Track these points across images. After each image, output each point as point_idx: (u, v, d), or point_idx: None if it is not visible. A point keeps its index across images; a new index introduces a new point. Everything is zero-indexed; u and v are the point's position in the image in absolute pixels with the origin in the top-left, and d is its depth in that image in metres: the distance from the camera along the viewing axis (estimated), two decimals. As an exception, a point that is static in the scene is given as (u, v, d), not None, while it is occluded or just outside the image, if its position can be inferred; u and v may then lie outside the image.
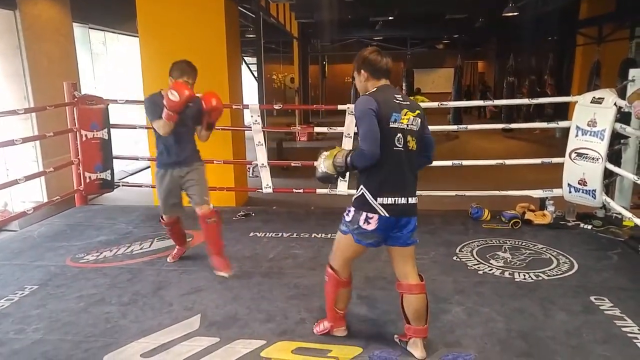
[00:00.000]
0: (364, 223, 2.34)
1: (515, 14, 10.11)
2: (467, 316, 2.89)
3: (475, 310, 2.96)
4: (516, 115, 14.42)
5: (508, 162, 4.99)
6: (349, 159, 2.33)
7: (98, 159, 5.23)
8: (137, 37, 5.56)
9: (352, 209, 2.40)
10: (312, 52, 17.63)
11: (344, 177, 2.55)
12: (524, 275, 3.45)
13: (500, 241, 4.14)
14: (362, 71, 2.43)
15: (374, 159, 2.26)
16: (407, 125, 2.34)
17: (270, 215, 5.05)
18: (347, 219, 2.43)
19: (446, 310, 2.96)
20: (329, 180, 2.49)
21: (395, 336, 2.64)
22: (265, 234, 4.39)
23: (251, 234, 4.40)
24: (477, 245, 4.05)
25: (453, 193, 4.99)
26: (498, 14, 10.61)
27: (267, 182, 5.13)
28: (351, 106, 4.89)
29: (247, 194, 5.80)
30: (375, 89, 2.39)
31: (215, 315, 2.92)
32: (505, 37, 16.21)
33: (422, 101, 12.32)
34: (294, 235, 4.37)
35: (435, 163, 5.20)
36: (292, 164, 5.58)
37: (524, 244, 4.08)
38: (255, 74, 13.02)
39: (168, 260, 3.77)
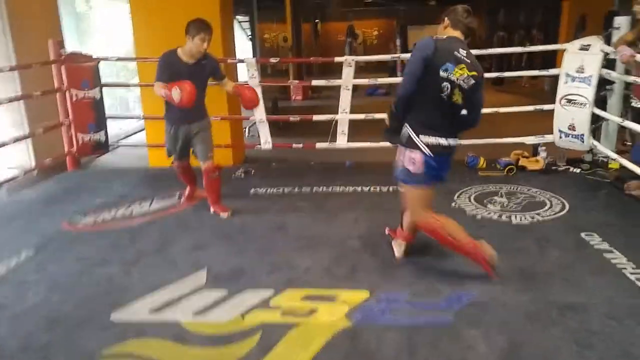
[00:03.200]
0: (410, 164, 2.56)
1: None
2: (467, 258, 2.94)
3: (476, 252, 3.02)
4: (506, 69, 14.32)
5: (502, 110, 5.01)
6: (393, 105, 2.59)
7: (91, 119, 5.11)
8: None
9: (406, 152, 2.58)
10: (305, 9, 17.14)
11: (399, 126, 2.63)
12: (520, 218, 3.56)
13: (497, 187, 4.21)
14: (446, 19, 2.59)
15: (408, 93, 2.50)
16: (457, 79, 2.45)
17: (270, 171, 5.04)
18: (402, 166, 2.61)
19: (447, 254, 2.98)
20: (391, 134, 2.70)
21: (387, 229, 3.16)
22: (267, 190, 4.38)
23: (252, 191, 4.39)
24: (474, 192, 4.11)
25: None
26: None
27: (265, 138, 5.07)
28: (349, 58, 4.83)
29: (245, 152, 5.75)
30: (444, 37, 2.52)
31: (222, 269, 2.94)
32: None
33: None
34: (295, 190, 4.37)
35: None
36: (291, 119, 5.55)
37: (519, 188, 4.17)
38: (248, 32, 12.64)
39: (180, 201, 4.07)
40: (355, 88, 5.20)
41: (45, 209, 4.13)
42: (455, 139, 2.62)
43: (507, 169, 4.59)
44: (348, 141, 4.93)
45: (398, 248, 2.99)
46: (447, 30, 2.58)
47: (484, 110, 4.92)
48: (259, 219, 3.72)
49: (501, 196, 3.99)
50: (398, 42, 14.05)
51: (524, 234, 3.30)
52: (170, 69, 3.43)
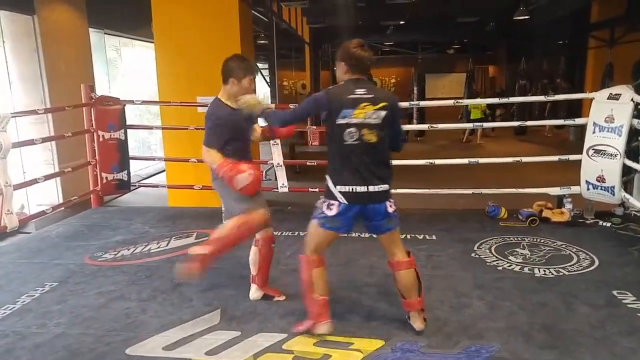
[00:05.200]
0: (327, 209, 2.50)
1: (526, 17, 10.08)
2: (488, 310, 2.87)
3: (497, 304, 2.94)
4: (528, 118, 14.30)
5: (525, 159, 4.95)
6: (263, 113, 2.68)
7: (115, 160, 5.29)
8: (151, 42, 5.65)
9: (322, 196, 2.59)
10: (323, 57, 17.66)
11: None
12: (544, 271, 3.43)
13: (519, 238, 4.10)
14: (343, 63, 2.49)
15: (283, 125, 2.76)
16: (365, 118, 2.41)
17: (286, 215, 5.05)
18: (316, 205, 2.59)
19: (467, 305, 2.95)
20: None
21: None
22: (282, 233, 4.38)
23: (267, 233, 4.40)
24: (495, 243, 4.02)
25: (469, 191, 4.96)
26: (509, 18, 10.60)
27: (282, 182, 5.14)
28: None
29: (262, 195, 5.82)
30: (341, 83, 2.50)
31: (236, 310, 2.93)
32: (516, 40, 16.16)
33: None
34: (311, 233, 4.36)
35: (451, 161, 5.30)
36: (308, 163, 5.62)
37: (542, 241, 4.04)
38: (267, 79, 13.10)
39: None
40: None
41: (70, 243, 4.26)
42: (379, 184, 2.46)
43: (529, 220, 4.46)
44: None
45: (414, 320, 2.66)
46: (346, 76, 2.49)
47: (506, 160, 5.03)
48: (274, 261, 3.68)
49: (523, 248, 3.88)
50: (415, 89, 14.30)
51: (548, 288, 3.15)
52: (228, 125, 2.73)
